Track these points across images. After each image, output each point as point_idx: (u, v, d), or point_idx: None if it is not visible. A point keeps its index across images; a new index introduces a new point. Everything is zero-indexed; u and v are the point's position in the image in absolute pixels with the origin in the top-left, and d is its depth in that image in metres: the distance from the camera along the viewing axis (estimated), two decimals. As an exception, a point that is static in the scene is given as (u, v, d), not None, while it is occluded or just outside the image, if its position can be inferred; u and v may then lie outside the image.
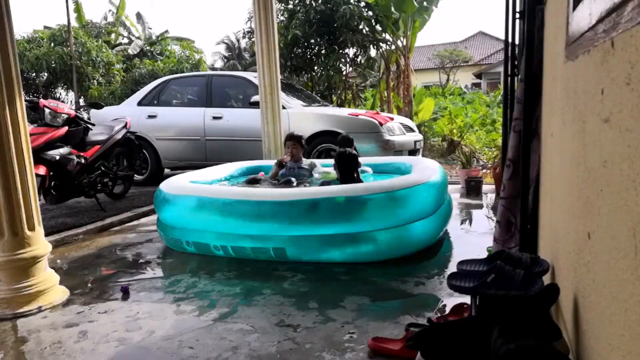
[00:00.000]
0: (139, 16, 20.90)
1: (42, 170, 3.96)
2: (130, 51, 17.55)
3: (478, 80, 27.05)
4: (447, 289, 2.33)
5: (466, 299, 2.20)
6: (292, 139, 4.13)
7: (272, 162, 4.92)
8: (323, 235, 2.85)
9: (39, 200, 2.76)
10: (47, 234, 2.87)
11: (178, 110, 6.69)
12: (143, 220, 4.53)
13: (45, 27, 16.95)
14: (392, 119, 5.98)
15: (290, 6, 10.95)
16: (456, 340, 1.33)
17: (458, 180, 5.68)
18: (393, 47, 10.81)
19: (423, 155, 6.47)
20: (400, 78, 10.86)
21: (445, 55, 24.73)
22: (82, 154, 4.41)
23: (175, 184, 3.47)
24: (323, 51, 10.85)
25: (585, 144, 1.10)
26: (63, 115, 4.22)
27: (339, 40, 10.32)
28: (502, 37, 3.14)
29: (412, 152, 5.86)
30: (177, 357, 1.85)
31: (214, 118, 6.30)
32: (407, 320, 2.07)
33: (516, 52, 2.95)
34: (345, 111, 6.20)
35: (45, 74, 14.36)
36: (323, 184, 3.58)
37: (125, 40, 19.75)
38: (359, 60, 11.37)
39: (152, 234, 3.92)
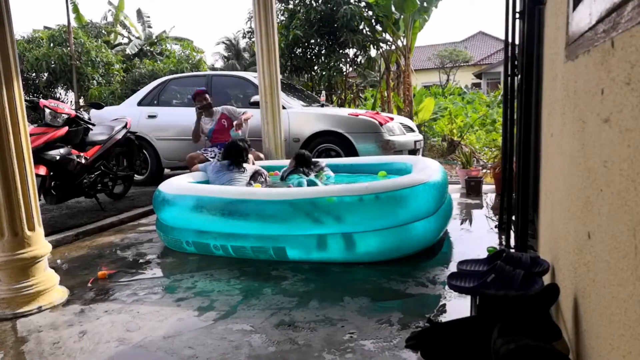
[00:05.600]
0: (139, 15, 20.88)
1: (42, 171, 3.95)
2: (128, 51, 17.55)
3: (478, 80, 27.06)
4: (447, 289, 2.34)
5: (466, 299, 2.21)
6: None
7: (272, 162, 4.93)
8: (323, 234, 2.85)
9: (39, 200, 2.76)
10: (47, 234, 2.86)
11: (178, 110, 6.68)
12: (143, 220, 4.53)
13: (45, 28, 16.96)
14: (392, 119, 5.97)
15: (291, 6, 10.95)
16: (456, 340, 1.33)
17: (458, 180, 5.68)
18: (393, 47, 10.81)
19: (423, 155, 6.47)
20: (401, 78, 10.86)
21: (445, 55, 24.75)
22: (82, 154, 4.41)
23: (174, 185, 3.47)
24: (323, 51, 10.85)
25: (585, 144, 1.10)
26: (63, 115, 4.22)
27: (339, 40, 10.32)
28: (502, 37, 3.14)
29: (412, 152, 5.86)
30: (177, 357, 1.85)
31: (214, 118, 6.30)
32: (407, 320, 2.07)
33: (516, 52, 2.95)
34: (345, 111, 6.19)
35: (45, 74, 14.35)
36: None
37: (125, 40, 19.75)
38: (359, 60, 11.38)
39: (152, 234, 3.92)
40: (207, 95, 5.41)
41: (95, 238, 3.87)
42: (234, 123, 5.14)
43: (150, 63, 15.01)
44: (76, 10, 17.35)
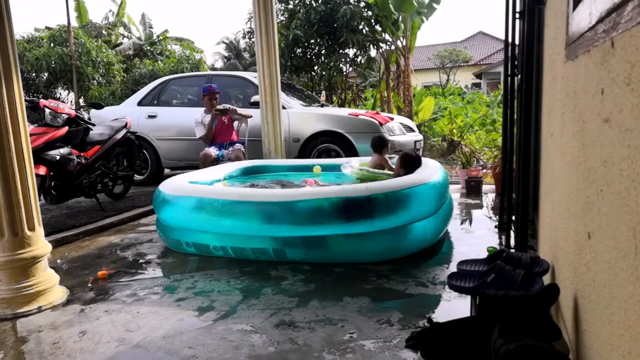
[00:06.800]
0: (143, 17, 20.90)
1: (42, 171, 3.95)
2: (129, 51, 17.55)
3: (478, 80, 27.06)
4: (448, 289, 2.34)
5: (466, 299, 2.21)
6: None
7: (272, 162, 4.93)
8: (323, 235, 2.85)
9: (39, 200, 2.75)
10: (47, 234, 2.86)
11: (178, 110, 6.69)
12: (143, 220, 4.52)
13: (47, 28, 16.95)
14: (392, 119, 5.98)
15: (291, 6, 10.95)
16: (456, 340, 1.33)
17: (458, 180, 5.68)
18: (393, 47, 10.81)
19: (423, 155, 6.47)
20: (400, 78, 10.87)
21: (445, 55, 24.75)
22: (82, 154, 4.41)
23: (174, 185, 3.47)
24: (323, 51, 10.85)
25: (585, 144, 1.10)
26: (63, 115, 4.22)
27: (339, 40, 10.32)
28: (502, 37, 3.14)
29: (412, 152, 5.85)
30: (177, 357, 1.85)
31: (214, 118, 6.30)
32: (407, 320, 2.07)
33: (516, 52, 2.95)
34: (345, 111, 6.20)
35: (45, 74, 14.35)
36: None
37: (126, 41, 19.75)
38: (359, 60, 11.38)
39: (152, 234, 3.92)
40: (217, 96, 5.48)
41: (95, 238, 3.87)
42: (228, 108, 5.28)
43: (150, 63, 15.02)
44: (79, 8, 17.33)
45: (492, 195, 4.98)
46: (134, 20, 20.44)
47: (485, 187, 5.25)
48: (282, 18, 10.99)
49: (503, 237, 3.23)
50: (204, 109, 5.47)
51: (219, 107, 5.28)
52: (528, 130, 2.49)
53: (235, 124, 5.57)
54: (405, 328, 1.99)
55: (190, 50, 16.77)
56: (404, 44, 10.45)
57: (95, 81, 14.81)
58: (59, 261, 3.25)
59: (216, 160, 5.12)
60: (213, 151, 5.22)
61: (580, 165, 1.17)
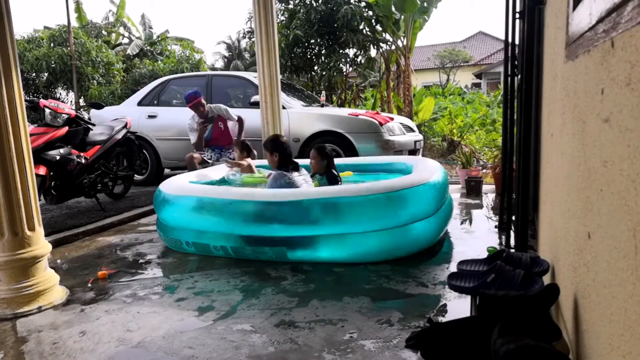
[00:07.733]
0: (142, 17, 20.93)
1: (42, 171, 3.96)
2: (129, 51, 17.56)
3: (478, 80, 27.06)
4: (448, 289, 2.34)
5: (466, 299, 2.21)
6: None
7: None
8: (323, 235, 2.85)
9: (39, 200, 2.75)
10: (47, 234, 2.86)
11: (178, 110, 6.68)
12: (143, 220, 4.52)
13: (46, 27, 16.96)
14: (392, 119, 5.98)
15: (291, 6, 10.95)
16: (456, 340, 1.33)
17: (458, 180, 5.68)
18: (393, 47, 10.82)
19: (423, 155, 6.47)
20: (401, 78, 10.87)
21: (445, 55, 24.74)
22: (82, 154, 4.41)
23: (174, 185, 3.47)
24: (323, 51, 10.85)
25: (585, 144, 1.10)
26: (63, 115, 4.22)
27: (339, 40, 10.32)
28: (502, 37, 3.14)
29: (412, 152, 5.86)
30: (177, 357, 1.85)
31: (214, 118, 6.30)
32: (407, 320, 2.07)
33: (516, 52, 2.95)
34: (345, 111, 6.20)
35: (45, 74, 14.35)
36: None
37: (126, 41, 19.77)
38: (359, 60, 11.38)
39: (152, 234, 3.92)
40: (203, 101, 5.35)
41: (95, 238, 3.87)
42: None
43: (150, 63, 15.02)
44: (78, 10, 17.35)
45: (492, 195, 4.98)
46: (134, 20, 20.47)
47: (485, 187, 5.25)
48: (282, 18, 10.99)
49: (503, 237, 3.23)
50: (193, 114, 5.39)
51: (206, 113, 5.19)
52: (528, 130, 2.49)
53: (230, 124, 5.55)
54: (405, 328, 1.99)
55: (191, 51, 16.78)
56: (405, 43, 10.45)
57: (95, 81, 14.82)
58: (59, 261, 3.25)
59: (204, 162, 5.10)
60: (201, 154, 5.23)
61: (580, 165, 1.17)
